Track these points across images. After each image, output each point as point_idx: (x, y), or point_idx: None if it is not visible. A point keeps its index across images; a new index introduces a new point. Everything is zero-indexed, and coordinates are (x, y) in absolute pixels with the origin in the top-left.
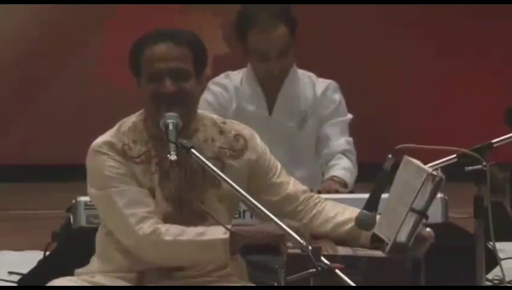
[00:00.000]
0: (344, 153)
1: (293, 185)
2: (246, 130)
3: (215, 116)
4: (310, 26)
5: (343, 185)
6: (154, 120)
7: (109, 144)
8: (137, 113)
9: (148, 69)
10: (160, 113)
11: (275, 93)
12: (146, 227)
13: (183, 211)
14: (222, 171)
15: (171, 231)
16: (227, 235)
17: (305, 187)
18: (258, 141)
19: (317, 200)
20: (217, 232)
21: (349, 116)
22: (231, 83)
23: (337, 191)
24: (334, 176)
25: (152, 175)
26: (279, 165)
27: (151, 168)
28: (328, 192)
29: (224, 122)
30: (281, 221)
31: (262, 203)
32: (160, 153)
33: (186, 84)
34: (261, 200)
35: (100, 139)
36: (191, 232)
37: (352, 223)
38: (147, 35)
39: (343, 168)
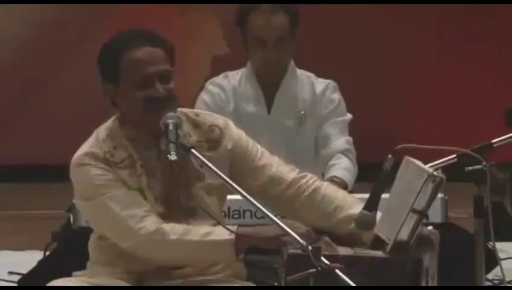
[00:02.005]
0: (344, 152)
1: (277, 166)
2: (219, 120)
3: (187, 110)
4: (310, 26)
5: (343, 186)
6: (145, 124)
7: (91, 154)
8: (111, 119)
9: (135, 73)
10: (152, 117)
11: (273, 92)
12: (148, 225)
13: (172, 209)
14: (202, 166)
15: (176, 230)
16: (233, 236)
17: (291, 166)
18: (233, 129)
19: (313, 187)
20: (224, 233)
21: (349, 116)
22: (229, 84)
23: None
24: (334, 177)
25: (139, 177)
26: (259, 148)
27: (136, 170)
28: None
29: (197, 115)
30: (283, 220)
31: (248, 190)
32: (143, 154)
33: (170, 85)
34: (247, 187)
35: (80, 151)
36: (196, 232)
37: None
38: (122, 38)
39: (343, 168)
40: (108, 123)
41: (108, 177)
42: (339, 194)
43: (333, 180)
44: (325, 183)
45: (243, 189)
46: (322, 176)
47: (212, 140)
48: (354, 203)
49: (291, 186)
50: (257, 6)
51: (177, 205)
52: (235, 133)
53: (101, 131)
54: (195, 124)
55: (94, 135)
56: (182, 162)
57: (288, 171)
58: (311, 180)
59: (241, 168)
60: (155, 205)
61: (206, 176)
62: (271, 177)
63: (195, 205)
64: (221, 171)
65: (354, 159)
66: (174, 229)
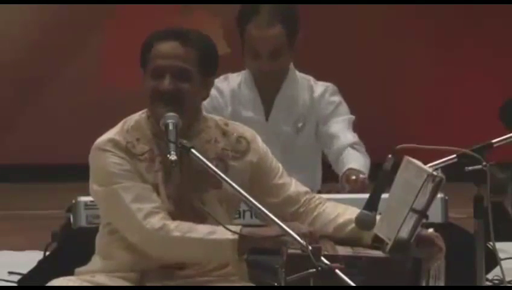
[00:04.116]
0: (353, 146)
1: (295, 186)
2: (248, 132)
3: (217, 118)
4: (310, 26)
5: (362, 178)
6: (153, 116)
7: (113, 142)
8: (141, 112)
9: (151, 65)
10: (157, 110)
11: (272, 97)
12: (154, 221)
13: (184, 210)
14: (225, 173)
15: (180, 228)
16: (236, 237)
17: (306, 189)
18: (260, 143)
19: (317, 202)
20: (227, 232)
21: (352, 116)
22: (228, 87)
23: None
24: (350, 169)
25: (156, 172)
26: (280, 167)
27: (154, 165)
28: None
29: (226, 124)
30: (284, 221)
31: (265, 205)
32: (163, 151)
33: (185, 84)
34: (263, 202)
35: (104, 136)
36: (200, 230)
37: (353, 225)
38: (157, 31)
39: (354, 159)
40: (137, 115)
41: (125, 168)
42: (341, 205)
43: (349, 173)
44: (331, 202)
45: (268, 204)
46: (321, 181)
47: (238, 151)
48: (354, 212)
49: (304, 205)
50: (254, 18)
51: (188, 207)
52: (261, 147)
53: (128, 121)
54: (224, 133)
55: (121, 123)
56: (200, 167)
57: (304, 193)
58: (318, 200)
59: (261, 183)
60: (167, 202)
61: (223, 185)
62: (289, 196)
63: (205, 210)
64: (241, 183)
65: (364, 151)
66: (178, 227)
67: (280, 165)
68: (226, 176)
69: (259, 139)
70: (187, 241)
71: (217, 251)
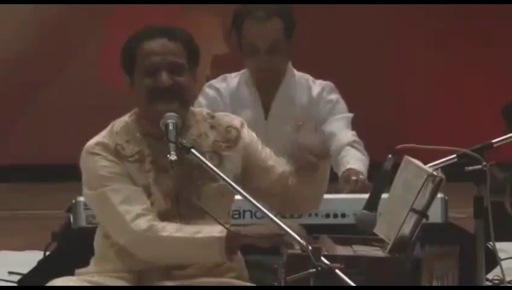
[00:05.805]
0: (351, 144)
1: (282, 165)
2: (235, 120)
3: (204, 111)
4: (310, 26)
5: (362, 179)
6: (150, 115)
7: (102, 145)
8: (129, 114)
9: (144, 63)
10: (157, 108)
11: (271, 97)
12: (142, 223)
13: (182, 207)
14: (221, 163)
15: (167, 228)
16: (223, 234)
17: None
18: (246, 129)
19: None
20: (214, 231)
21: (351, 114)
22: (227, 87)
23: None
24: (350, 169)
25: (147, 173)
26: (267, 149)
27: (145, 166)
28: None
29: (213, 117)
30: (281, 221)
31: (259, 188)
32: (154, 150)
33: (181, 78)
34: (257, 186)
35: (93, 140)
36: (187, 230)
37: None
38: (141, 31)
39: (355, 159)
40: (125, 117)
41: (115, 170)
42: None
43: (349, 173)
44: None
45: (253, 189)
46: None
47: (230, 140)
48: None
49: (289, 177)
50: (251, 13)
51: (187, 204)
52: (249, 134)
53: (117, 123)
54: (212, 126)
55: (109, 126)
56: (196, 161)
57: (287, 169)
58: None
59: (254, 168)
60: (162, 201)
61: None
62: (280, 175)
63: (203, 207)
64: (236, 171)
65: (363, 149)
66: (166, 227)
67: (266, 148)
68: (221, 166)
69: (246, 126)
70: (174, 241)
71: (204, 249)
